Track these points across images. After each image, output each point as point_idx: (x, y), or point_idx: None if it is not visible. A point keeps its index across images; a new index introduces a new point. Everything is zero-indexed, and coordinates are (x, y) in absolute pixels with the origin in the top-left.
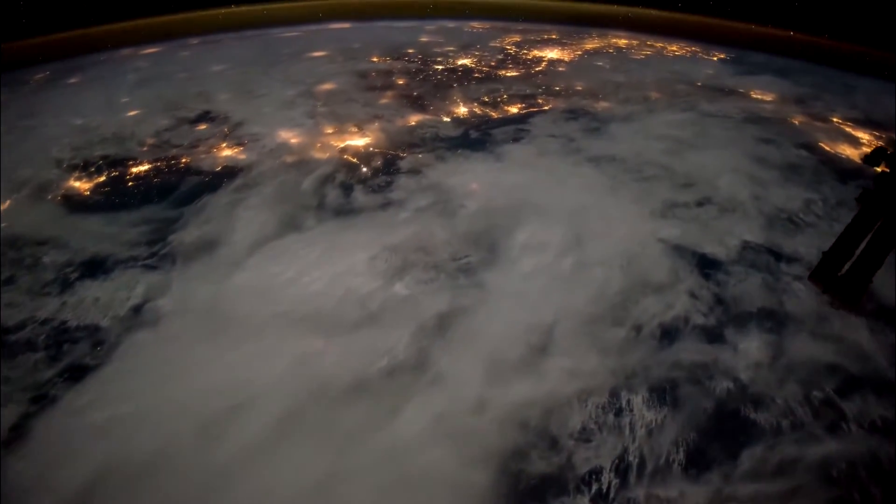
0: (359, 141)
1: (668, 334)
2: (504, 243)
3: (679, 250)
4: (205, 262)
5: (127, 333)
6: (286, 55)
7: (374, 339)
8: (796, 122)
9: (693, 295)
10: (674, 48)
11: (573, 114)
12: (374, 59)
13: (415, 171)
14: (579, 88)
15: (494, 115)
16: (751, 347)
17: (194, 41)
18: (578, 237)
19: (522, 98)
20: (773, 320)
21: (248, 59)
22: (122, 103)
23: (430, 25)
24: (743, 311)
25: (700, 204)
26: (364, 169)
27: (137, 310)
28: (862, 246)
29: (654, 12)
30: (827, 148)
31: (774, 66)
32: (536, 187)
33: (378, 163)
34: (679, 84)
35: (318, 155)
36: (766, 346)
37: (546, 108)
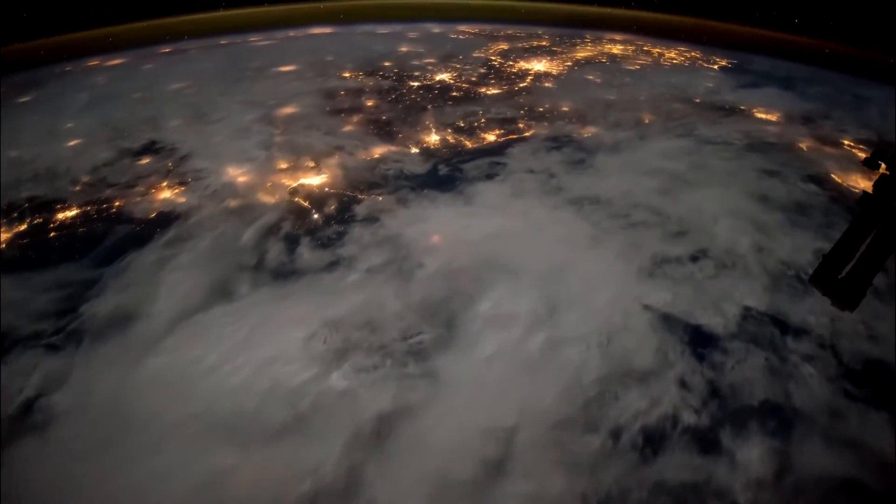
0: (314, 179)
1: (653, 442)
2: (464, 315)
3: (668, 322)
4: (115, 341)
5: (11, 441)
6: (253, 70)
7: (299, 451)
8: (804, 148)
9: (683, 384)
10: (672, 54)
11: (556, 142)
12: (346, 75)
13: (372, 219)
14: (565, 109)
15: (469, 144)
16: (751, 458)
17: (166, 49)
18: (552, 306)
19: (502, 123)
20: (779, 418)
21: (212, 74)
22: (65, 130)
23: (414, 31)
24: (742, 406)
25: (694, 258)
26: (315, 215)
27: (28, 406)
28: (862, 249)
29: (653, 15)
30: (838, 180)
31: (779, 74)
32: (507, 240)
33: (332, 208)
34: (675, 102)
35: (266, 198)
36: (769, 455)
37: (527, 134)
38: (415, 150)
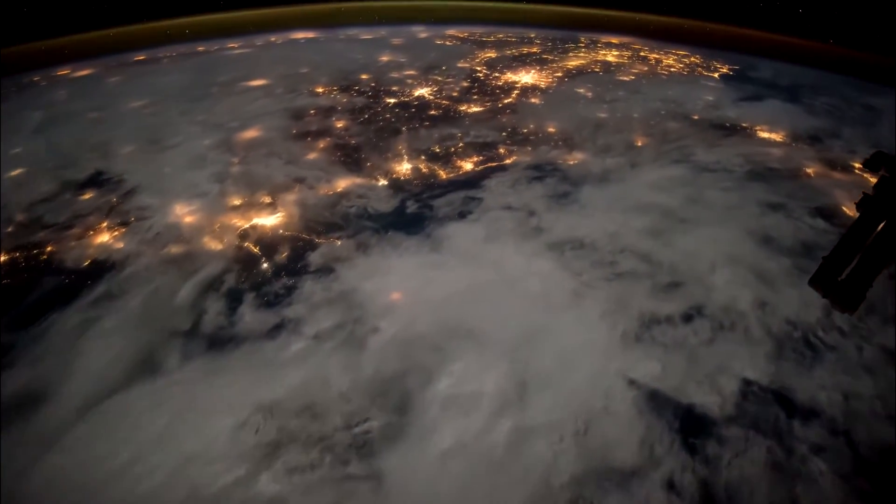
0: (268, 219)
1: None
2: (420, 396)
3: (656, 401)
4: (14, 433)
5: None
6: (220, 85)
7: None
8: (811, 174)
9: (671, 486)
10: (670, 61)
11: (539, 171)
12: (319, 90)
13: (326, 270)
14: (552, 130)
15: (443, 174)
16: None
17: (140, 56)
18: (522, 383)
19: (481, 148)
20: None
21: (177, 89)
22: (10, 157)
23: (400, 37)
24: None
25: (688, 318)
26: (264, 265)
27: None
28: (862, 251)
29: (654, 17)
30: (849, 212)
31: (783, 82)
32: (476, 297)
33: (283, 255)
34: (671, 120)
35: (212, 244)
36: None
37: (508, 161)
38: (383, 181)
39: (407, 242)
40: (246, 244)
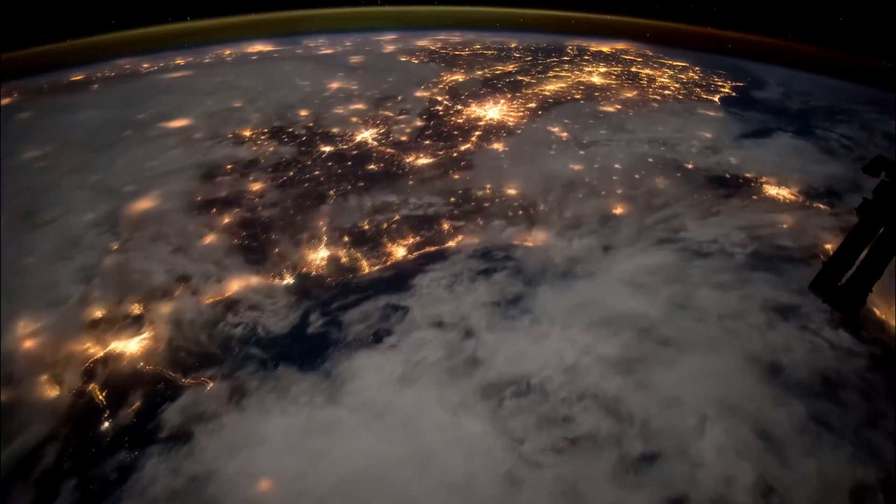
0: (129, 344)
1: None
2: None
3: None
4: None
5: None
6: (137, 125)
7: None
8: (830, 252)
9: None
10: (664, 79)
11: (488, 260)
12: (245, 135)
13: (182, 437)
14: (511, 193)
15: (366, 266)
16: None
17: (77, 76)
18: None
19: (420, 224)
20: None
21: (87, 130)
22: None
23: (362, 52)
24: None
25: None
26: (104, 425)
27: None
28: (862, 256)
29: (652, 22)
30: (881, 316)
31: (793, 105)
32: (373, 488)
33: (133, 407)
34: (660, 173)
35: (48, 387)
36: None
37: (451, 244)
38: (288, 279)
39: (298, 386)
40: (91, 387)
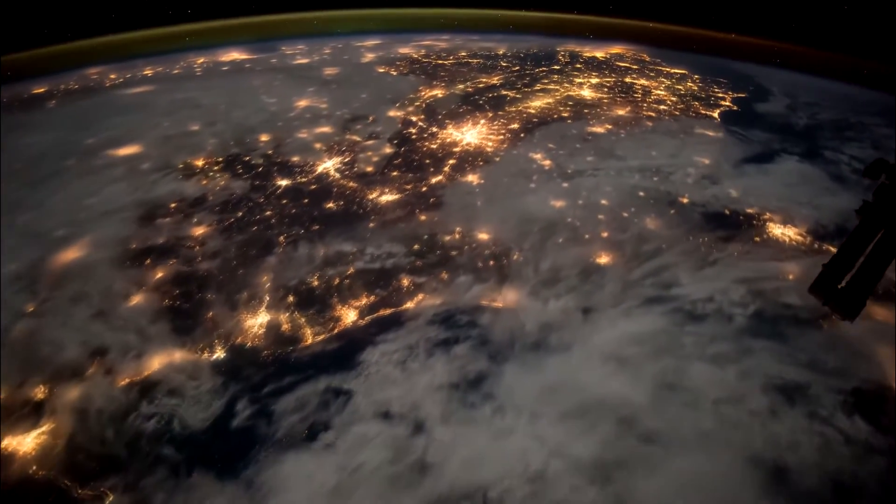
0: (24, 440)
1: None
2: None
3: None
4: None
5: None
6: (83, 152)
7: None
8: (847, 331)
9: None
10: (660, 91)
11: (449, 327)
12: (198, 164)
13: None
14: (482, 239)
15: (309, 336)
16: None
17: (38, 89)
18: None
19: (377, 280)
20: None
21: (29, 158)
22: None
23: (338, 62)
24: None
25: None
26: None
27: None
28: (862, 258)
29: (651, 24)
30: None
31: (799, 121)
32: None
33: None
34: (651, 211)
35: None
36: None
37: (410, 305)
38: (218, 353)
39: (213, 502)
40: None
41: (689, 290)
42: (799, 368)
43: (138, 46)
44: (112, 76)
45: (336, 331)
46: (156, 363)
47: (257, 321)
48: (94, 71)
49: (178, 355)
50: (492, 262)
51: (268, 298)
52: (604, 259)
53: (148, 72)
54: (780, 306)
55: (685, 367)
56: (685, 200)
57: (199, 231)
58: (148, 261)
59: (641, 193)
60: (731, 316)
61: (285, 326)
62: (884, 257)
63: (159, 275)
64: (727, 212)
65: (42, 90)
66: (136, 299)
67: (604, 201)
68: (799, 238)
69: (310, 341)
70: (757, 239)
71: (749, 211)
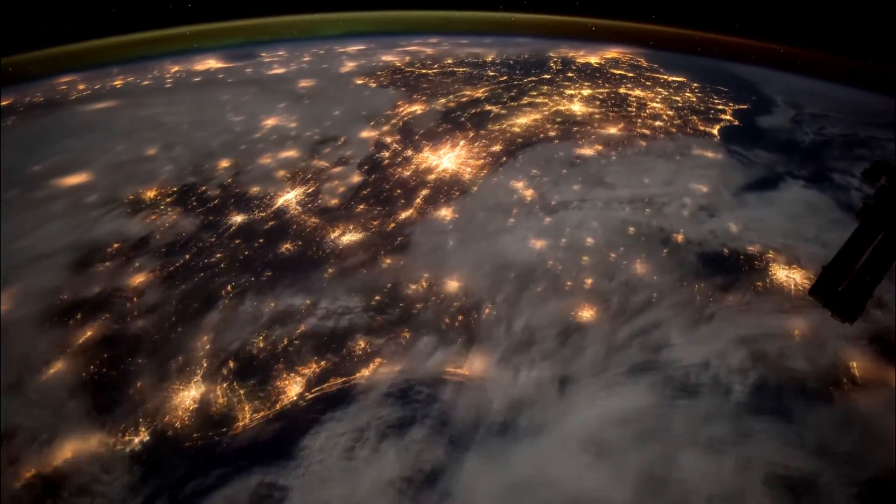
0: None
1: None
2: None
3: None
4: None
5: None
6: (27, 181)
7: None
8: (856, 379)
9: None
10: (657, 103)
11: (405, 404)
12: (148, 197)
13: None
14: (450, 291)
15: (246, 415)
16: None
17: (5, 98)
18: None
19: (328, 343)
20: None
21: None
22: None
23: (315, 73)
24: None
25: None
26: None
27: None
28: (862, 260)
29: (651, 26)
30: None
31: (805, 136)
32: None
33: None
34: (642, 252)
35: None
36: None
37: (363, 374)
38: (141, 437)
39: None
40: None
41: (682, 353)
42: (806, 456)
43: (116, 52)
44: (80, 87)
45: (277, 407)
46: (67, 451)
47: (189, 395)
48: (65, 80)
49: (94, 442)
50: (459, 319)
51: (204, 365)
52: (586, 314)
53: (118, 82)
54: (784, 373)
55: (675, 456)
56: (679, 238)
57: (137, 280)
58: (77, 316)
59: (631, 230)
60: (730, 388)
61: (220, 401)
62: (884, 259)
63: (87, 334)
64: (726, 251)
65: (7, 102)
66: (57, 366)
67: (589, 240)
68: (805, 282)
69: (246, 423)
70: (759, 285)
71: (750, 249)
